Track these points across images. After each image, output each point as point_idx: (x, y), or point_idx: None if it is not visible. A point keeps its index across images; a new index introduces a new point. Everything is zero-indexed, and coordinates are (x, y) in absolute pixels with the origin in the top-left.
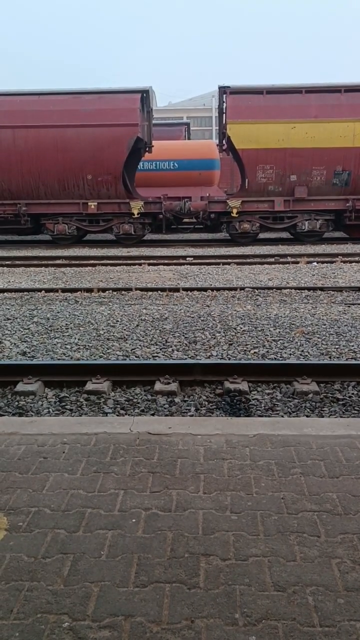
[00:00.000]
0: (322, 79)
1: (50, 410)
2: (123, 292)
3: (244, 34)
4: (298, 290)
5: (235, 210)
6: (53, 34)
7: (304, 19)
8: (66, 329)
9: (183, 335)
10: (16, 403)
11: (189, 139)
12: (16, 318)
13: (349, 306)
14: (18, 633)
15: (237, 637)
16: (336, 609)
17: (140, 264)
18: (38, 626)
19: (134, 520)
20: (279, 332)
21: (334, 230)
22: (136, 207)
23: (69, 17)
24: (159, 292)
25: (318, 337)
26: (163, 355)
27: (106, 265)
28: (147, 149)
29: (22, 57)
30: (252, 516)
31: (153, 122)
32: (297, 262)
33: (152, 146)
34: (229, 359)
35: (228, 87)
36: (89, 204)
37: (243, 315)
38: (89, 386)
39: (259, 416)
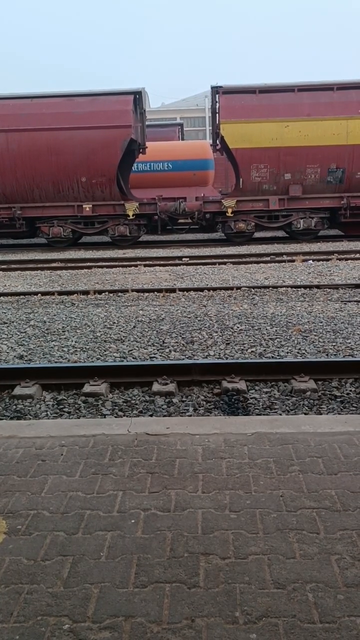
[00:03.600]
0: (319, 77)
1: (48, 413)
2: (119, 294)
3: (238, 32)
4: (294, 289)
5: (230, 210)
6: (52, 38)
7: (300, 16)
8: (63, 331)
9: (180, 336)
10: (14, 407)
11: (182, 139)
12: (13, 322)
13: (345, 303)
14: (18, 636)
15: (237, 635)
16: (336, 605)
17: (136, 266)
18: (38, 629)
19: (133, 521)
20: (276, 330)
21: (329, 228)
22: (131, 208)
23: (66, 20)
24: (156, 293)
25: (315, 335)
26: (160, 356)
27: (102, 267)
28: (140, 150)
29: (23, 61)
30: (251, 514)
31: (146, 123)
32: (293, 261)
33: (146, 147)
34: (227, 358)
35: (221, 87)
36: (84, 206)
37: (240, 315)
38: (87, 388)
39: (257, 415)
